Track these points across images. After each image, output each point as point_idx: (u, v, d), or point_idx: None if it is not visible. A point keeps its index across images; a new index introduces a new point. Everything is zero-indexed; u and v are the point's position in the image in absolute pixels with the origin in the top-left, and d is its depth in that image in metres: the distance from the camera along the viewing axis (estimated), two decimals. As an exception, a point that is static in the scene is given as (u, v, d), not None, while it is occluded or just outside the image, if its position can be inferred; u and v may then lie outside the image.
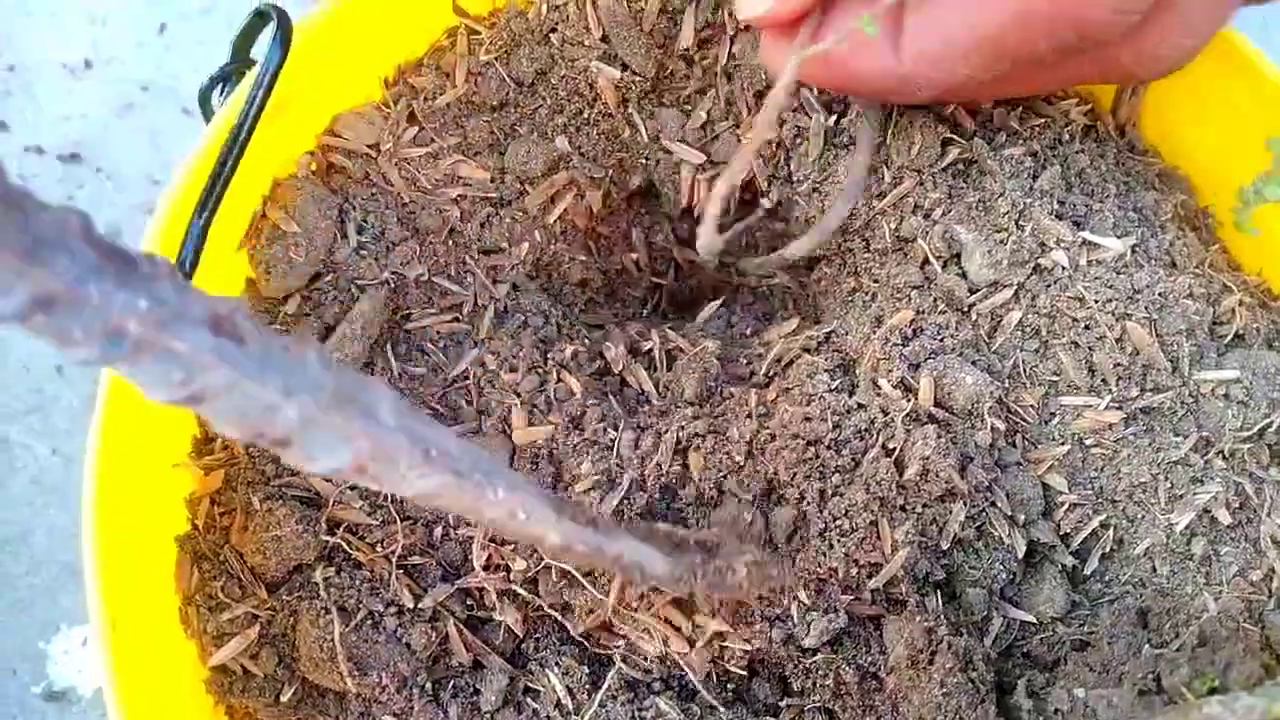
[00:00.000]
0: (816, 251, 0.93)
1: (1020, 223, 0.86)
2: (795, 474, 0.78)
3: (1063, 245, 0.86)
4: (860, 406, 0.81)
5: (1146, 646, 0.78)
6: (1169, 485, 0.84)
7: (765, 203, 0.97)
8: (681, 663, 0.77)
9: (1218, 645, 0.76)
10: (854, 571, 0.76)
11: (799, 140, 0.94)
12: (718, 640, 0.77)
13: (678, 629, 0.77)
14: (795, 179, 0.95)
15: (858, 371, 0.85)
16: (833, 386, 0.82)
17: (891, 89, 0.80)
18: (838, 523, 0.77)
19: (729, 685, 0.80)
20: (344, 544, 0.77)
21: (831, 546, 0.76)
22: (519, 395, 0.81)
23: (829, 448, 0.79)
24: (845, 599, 0.77)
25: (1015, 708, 0.77)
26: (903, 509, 0.78)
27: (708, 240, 0.86)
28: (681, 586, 0.67)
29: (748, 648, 0.77)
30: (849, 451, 0.79)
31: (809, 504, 0.77)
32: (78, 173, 1.34)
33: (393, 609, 0.76)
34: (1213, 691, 0.71)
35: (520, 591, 0.77)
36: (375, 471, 0.53)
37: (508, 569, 0.77)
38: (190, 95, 1.37)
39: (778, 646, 0.77)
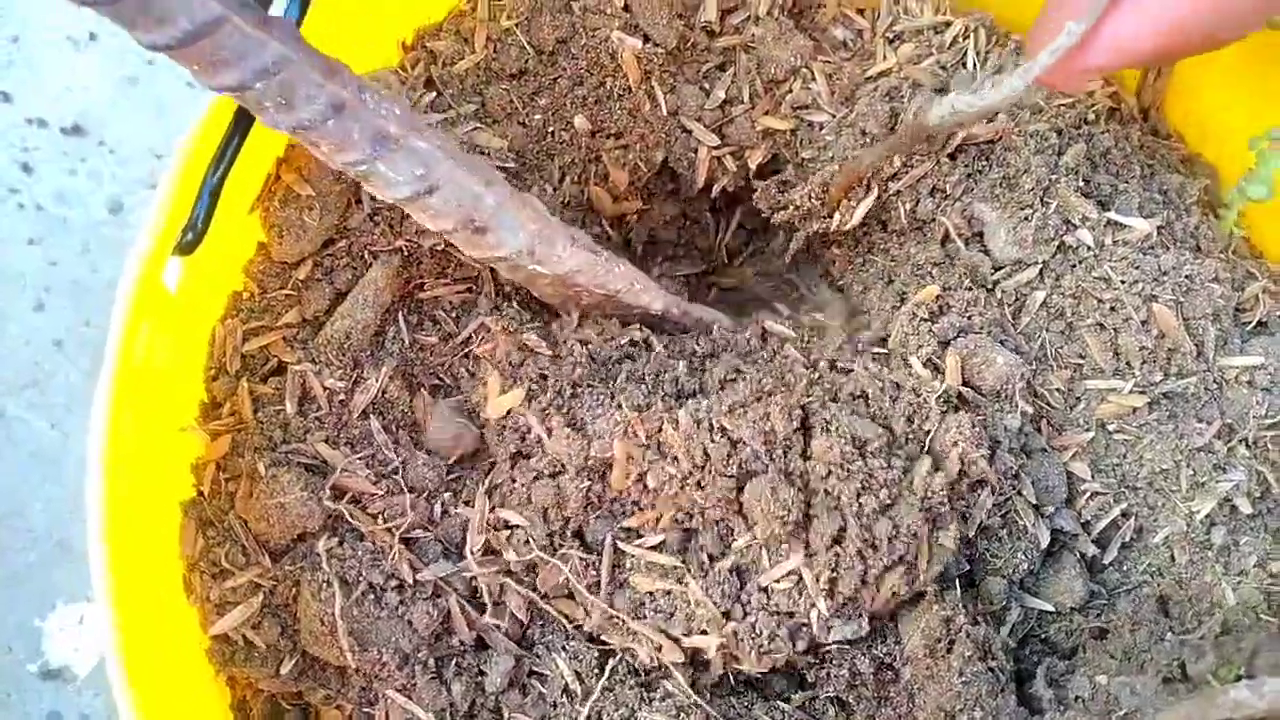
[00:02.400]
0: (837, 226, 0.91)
1: (1045, 199, 0.85)
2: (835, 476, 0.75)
3: (1088, 224, 0.84)
4: (897, 387, 0.79)
5: (1169, 634, 0.76)
6: (1191, 473, 0.82)
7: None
8: (675, 671, 0.74)
9: (1241, 634, 0.74)
10: (888, 589, 0.74)
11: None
12: (724, 654, 0.75)
13: (675, 640, 0.74)
14: None
15: (886, 349, 0.83)
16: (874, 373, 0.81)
17: (1210, 30, 0.69)
18: (882, 544, 0.73)
19: (740, 675, 0.78)
20: (347, 514, 0.75)
21: (867, 564, 0.73)
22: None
23: (879, 457, 0.75)
24: (870, 608, 0.75)
25: (1035, 697, 0.76)
26: (945, 514, 0.76)
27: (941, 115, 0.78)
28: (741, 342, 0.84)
29: (758, 668, 0.74)
30: (897, 462, 0.76)
31: (849, 514, 0.72)
32: (80, 145, 1.32)
33: (394, 583, 0.74)
34: (1239, 679, 0.70)
35: (514, 586, 0.76)
36: (540, 253, 0.74)
37: (501, 555, 0.76)
38: (195, 68, 1.36)
39: (794, 656, 0.74)
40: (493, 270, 0.85)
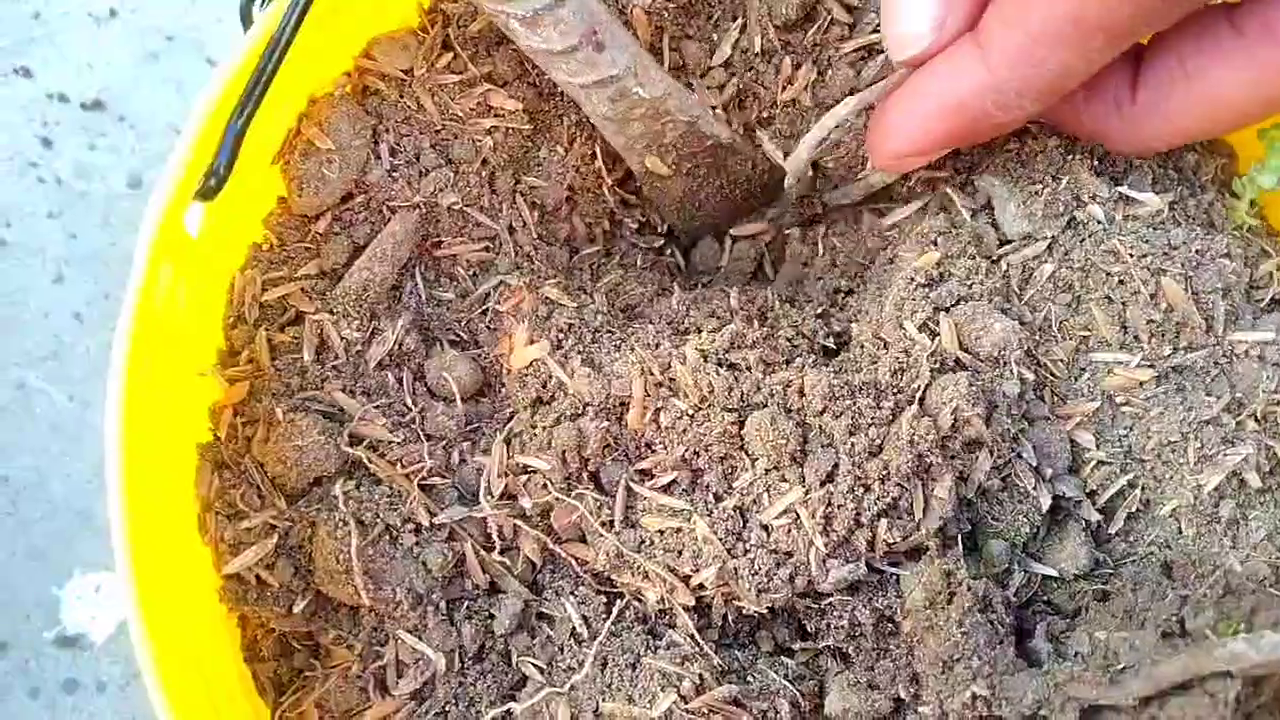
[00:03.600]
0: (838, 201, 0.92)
1: (1058, 175, 0.86)
2: (829, 413, 0.76)
3: (1099, 200, 0.85)
4: (885, 346, 0.80)
5: (1170, 592, 0.77)
6: (1199, 445, 0.82)
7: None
8: (680, 612, 0.75)
9: (1244, 593, 0.75)
10: (884, 535, 0.75)
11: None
12: (725, 594, 0.76)
13: (684, 579, 0.75)
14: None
15: (881, 314, 0.84)
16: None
17: (991, 109, 0.76)
18: (874, 485, 0.74)
19: (743, 625, 0.79)
20: (365, 459, 0.75)
21: (860, 505, 0.74)
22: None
23: (867, 396, 0.77)
24: (868, 554, 0.75)
25: (1034, 650, 0.76)
26: (939, 464, 0.76)
27: (796, 165, 0.89)
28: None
29: (758, 607, 0.75)
30: (886, 404, 0.77)
31: (843, 453, 0.74)
32: (100, 121, 1.33)
33: (410, 525, 0.75)
34: (1237, 635, 0.70)
35: (527, 529, 0.77)
36: (642, 74, 0.80)
37: (517, 501, 0.77)
38: (215, 46, 1.37)
39: (792, 599, 0.76)
40: (510, 229, 0.86)
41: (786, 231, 0.97)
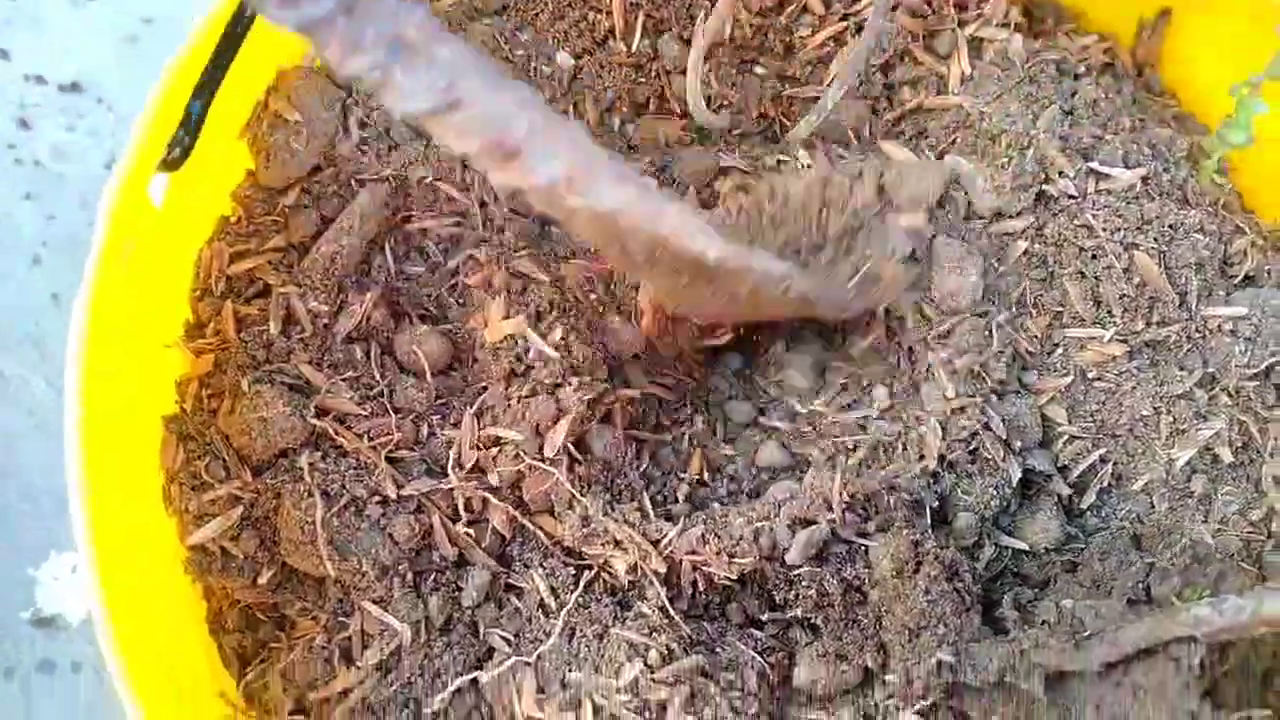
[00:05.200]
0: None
1: (1023, 150, 0.85)
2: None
3: (1065, 176, 0.85)
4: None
5: (1138, 561, 0.77)
6: (1171, 420, 0.82)
7: (760, 70, 0.95)
8: (653, 578, 0.75)
9: (1210, 561, 0.75)
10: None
11: (803, 14, 0.94)
12: (693, 561, 0.76)
13: (654, 543, 0.76)
14: (796, 51, 0.94)
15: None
16: None
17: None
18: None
19: (713, 598, 0.79)
20: (330, 431, 0.75)
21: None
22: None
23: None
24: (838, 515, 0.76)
25: (1001, 619, 0.76)
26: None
27: (696, 111, 0.88)
28: (825, 289, 0.76)
29: (727, 573, 0.75)
30: None
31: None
32: (79, 103, 1.32)
33: (376, 498, 0.75)
34: (1203, 600, 0.70)
35: (496, 501, 0.76)
36: (581, 184, 0.61)
37: (486, 475, 0.77)
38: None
39: (761, 564, 0.76)
40: (481, 204, 0.85)
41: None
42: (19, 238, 1.28)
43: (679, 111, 0.95)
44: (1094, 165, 0.85)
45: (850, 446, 0.83)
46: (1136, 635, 0.67)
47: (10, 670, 1.12)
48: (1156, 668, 0.67)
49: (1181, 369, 0.83)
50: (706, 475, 0.84)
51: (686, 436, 0.86)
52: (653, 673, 0.71)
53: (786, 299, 0.76)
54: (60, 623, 1.15)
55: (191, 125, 0.73)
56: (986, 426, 0.80)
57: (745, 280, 0.72)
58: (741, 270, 0.71)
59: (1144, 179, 0.85)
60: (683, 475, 0.83)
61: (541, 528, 0.77)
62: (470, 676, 0.72)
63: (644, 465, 0.83)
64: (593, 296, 0.85)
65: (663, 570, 0.75)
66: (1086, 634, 0.70)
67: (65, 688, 1.13)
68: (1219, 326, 0.84)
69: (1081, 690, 0.70)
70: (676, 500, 0.81)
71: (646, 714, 0.70)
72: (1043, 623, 0.73)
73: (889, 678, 0.73)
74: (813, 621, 0.77)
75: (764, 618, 0.78)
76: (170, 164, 0.72)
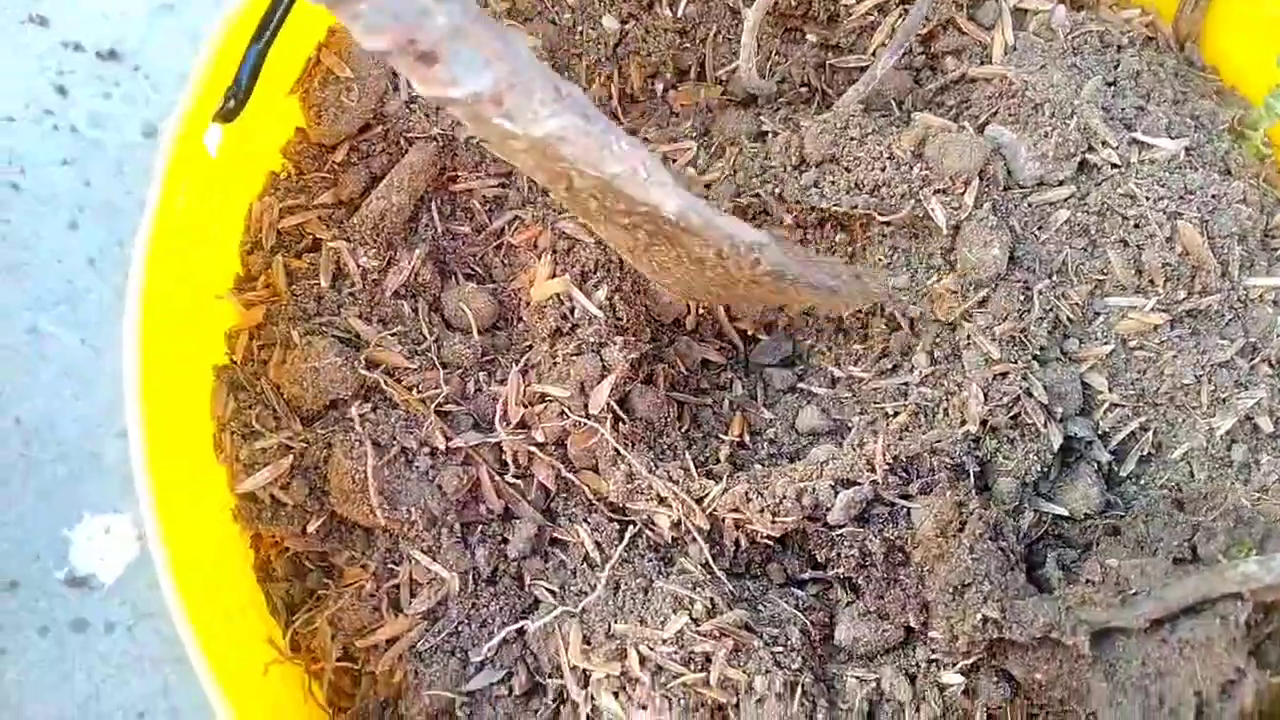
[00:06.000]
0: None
1: (1066, 119, 0.85)
2: None
3: (1108, 146, 0.85)
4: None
5: (1183, 519, 0.77)
6: (1212, 388, 0.83)
7: (808, 37, 0.95)
8: (696, 535, 0.76)
9: (1255, 523, 0.75)
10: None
11: None
12: (736, 519, 0.76)
13: (698, 500, 0.77)
14: (840, 20, 0.94)
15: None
16: None
17: None
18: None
19: (755, 557, 0.79)
20: (382, 382, 0.76)
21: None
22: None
23: None
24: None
25: (1045, 579, 0.76)
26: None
27: (746, 74, 0.88)
28: (797, 275, 0.67)
29: (770, 531, 0.76)
30: None
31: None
32: (115, 70, 1.33)
33: (425, 449, 0.75)
34: (1249, 558, 0.70)
35: (542, 455, 0.77)
36: (511, 104, 0.53)
37: (531, 431, 0.78)
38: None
39: (803, 523, 0.77)
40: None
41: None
42: (56, 202, 1.29)
43: (721, 79, 0.95)
44: (1137, 135, 0.85)
45: (891, 412, 0.83)
46: (1183, 592, 0.67)
47: (45, 628, 1.13)
48: (1203, 625, 0.68)
49: (1222, 338, 0.84)
50: (747, 438, 0.85)
51: (727, 400, 0.87)
52: (697, 625, 0.72)
53: (759, 276, 0.67)
54: (94, 583, 1.16)
55: (247, 74, 0.73)
56: (1028, 393, 0.80)
57: (710, 244, 0.64)
58: (703, 230, 0.62)
59: (1187, 149, 0.85)
60: (723, 437, 0.84)
61: (586, 484, 0.78)
62: (516, 626, 0.73)
63: (685, 426, 0.84)
64: None
65: (706, 528, 0.76)
66: (1133, 592, 0.70)
67: (98, 646, 1.14)
68: (1260, 297, 0.84)
69: (1127, 647, 0.71)
70: (718, 460, 0.81)
71: (691, 665, 0.71)
72: (1087, 581, 0.73)
73: (932, 634, 0.74)
74: (854, 581, 0.77)
75: (805, 576, 0.79)
76: (226, 115, 0.73)
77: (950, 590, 0.73)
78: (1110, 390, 0.84)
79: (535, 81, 0.53)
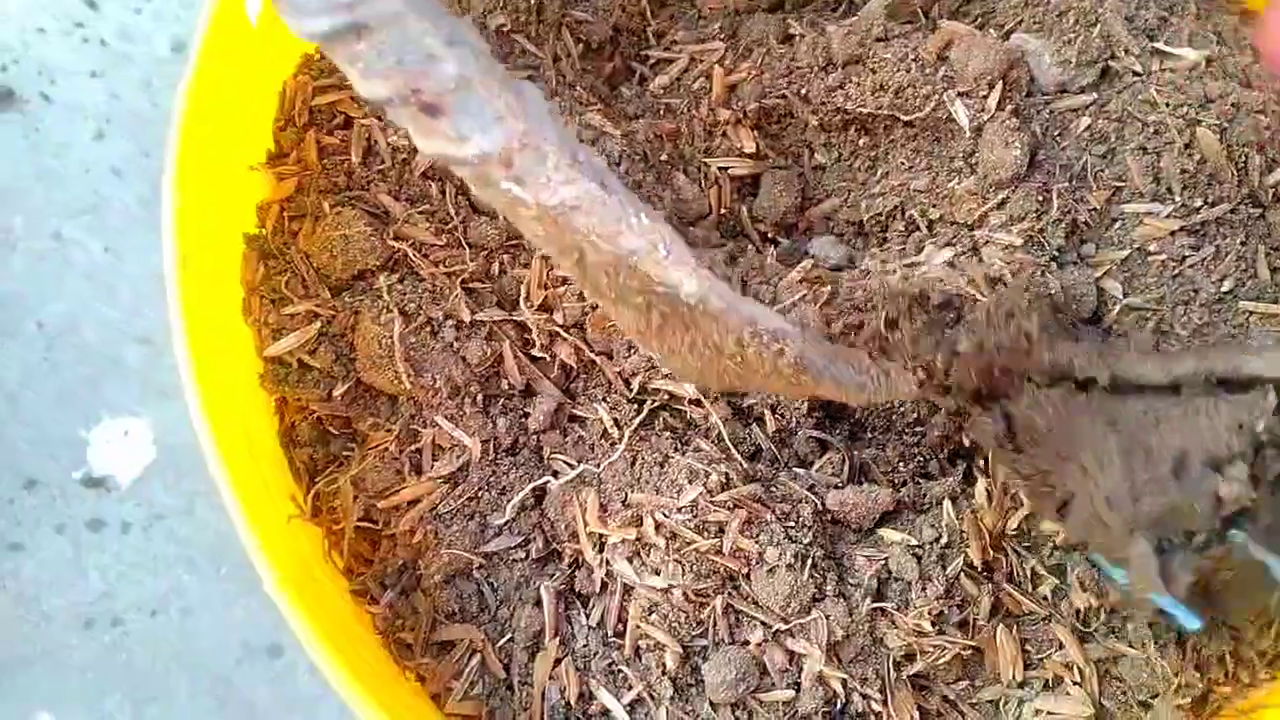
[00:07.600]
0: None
1: (1089, 26, 0.86)
2: None
3: (1131, 53, 0.86)
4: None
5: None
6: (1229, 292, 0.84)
7: None
8: (711, 411, 0.77)
9: None
10: None
11: None
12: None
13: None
14: None
15: None
16: None
17: None
18: None
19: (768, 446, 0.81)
20: (410, 254, 0.77)
21: None
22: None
23: None
24: None
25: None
26: None
27: None
28: (822, 370, 0.63)
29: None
30: None
31: None
32: None
33: (451, 321, 0.77)
34: None
35: (565, 335, 0.79)
36: (522, 167, 0.49)
37: (553, 314, 0.80)
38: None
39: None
40: (555, 59, 0.87)
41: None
42: (84, 113, 1.30)
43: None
44: (1159, 45, 0.86)
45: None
46: (1220, 362, 0.68)
47: (61, 526, 1.15)
48: (1224, 401, 0.69)
49: (1240, 244, 0.85)
50: None
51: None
52: (712, 496, 0.73)
53: (781, 367, 0.62)
54: (110, 484, 1.17)
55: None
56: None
57: (731, 330, 0.59)
58: (725, 315, 0.58)
59: (1208, 60, 0.86)
60: None
61: (605, 366, 0.79)
62: (535, 485, 0.75)
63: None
64: (662, 156, 0.87)
65: (729, 414, 0.77)
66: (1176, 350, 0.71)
67: (114, 546, 1.15)
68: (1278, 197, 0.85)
69: (1147, 402, 0.72)
70: None
71: (705, 533, 0.72)
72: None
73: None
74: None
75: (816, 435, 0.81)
76: (265, -14, 0.74)
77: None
78: (1125, 296, 0.85)
79: (550, 143, 0.50)
